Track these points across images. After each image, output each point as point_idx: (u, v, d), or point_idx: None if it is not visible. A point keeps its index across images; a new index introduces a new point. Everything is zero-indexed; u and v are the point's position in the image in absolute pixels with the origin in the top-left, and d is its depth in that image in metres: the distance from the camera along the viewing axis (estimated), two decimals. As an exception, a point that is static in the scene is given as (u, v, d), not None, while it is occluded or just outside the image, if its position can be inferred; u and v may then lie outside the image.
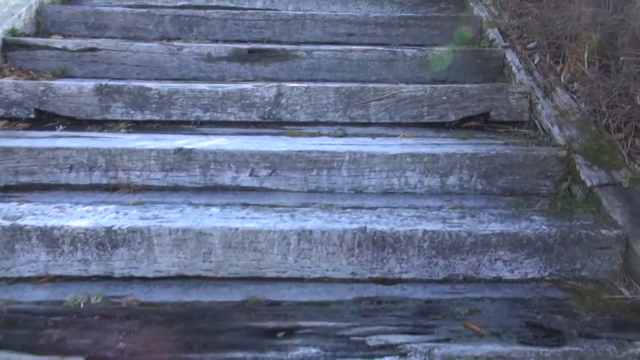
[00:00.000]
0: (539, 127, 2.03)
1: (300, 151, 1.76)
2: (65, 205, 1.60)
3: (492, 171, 1.79)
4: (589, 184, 1.68)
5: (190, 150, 1.75)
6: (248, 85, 2.06)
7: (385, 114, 2.08)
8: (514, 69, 2.27)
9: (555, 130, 1.91)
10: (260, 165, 1.76)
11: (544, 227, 1.50)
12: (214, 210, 1.60)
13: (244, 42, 2.62)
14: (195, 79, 2.35)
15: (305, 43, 2.63)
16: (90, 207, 1.59)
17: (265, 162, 1.76)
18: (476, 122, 2.13)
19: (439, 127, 2.10)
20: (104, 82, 2.04)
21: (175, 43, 2.35)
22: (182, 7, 2.89)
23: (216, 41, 2.62)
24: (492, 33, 2.57)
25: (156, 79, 2.33)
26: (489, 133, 2.07)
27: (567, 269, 1.49)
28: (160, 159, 1.75)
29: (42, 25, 2.57)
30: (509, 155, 1.78)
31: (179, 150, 1.75)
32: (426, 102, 2.08)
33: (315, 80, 2.36)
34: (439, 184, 1.79)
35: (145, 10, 2.60)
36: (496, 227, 1.50)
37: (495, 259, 1.48)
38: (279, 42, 2.61)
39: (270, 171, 1.77)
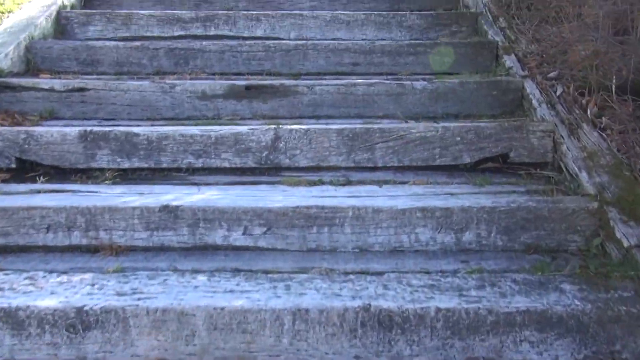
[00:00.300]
0: (564, 170, 1.82)
1: (297, 207, 1.59)
2: (37, 275, 1.45)
3: (514, 226, 1.59)
4: (625, 243, 1.47)
5: (177, 207, 1.59)
6: (243, 129, 1.90)
7: (393, 157, 1.90)
8: (534, 102, 2.07)
9: (583, 176, 1.71)
10: (254, 223, 1.60)
11: (576, 301, 1.30)
12: (201, 279, 1.43)
13: (242, 75, 2.47)
14: (190, 118, 2.20)
15: (307, 74, 2.47)
16: (64, 277, 1.44)
17: (259, 219, 1.59)
18: (494, 163, 1.94)
19: (452, 169, 1.92)
20: (88, 128, 1.90)
21: (168, 81, 2.20)
22: (180, 37, 2.75)
23: (213, 74, 2.47)
24: (509, 60, 2.38)
25: (148, 119, 2.19)
26: (508, 177, 1.88)
27: (605, 350, 1.29)
28: (144, 218, 1.59)
29: (31, 62, 2.46)
30: (533, 209, 1.59)
31: (165, 208, 1.59)
32: (438, 144, 1.90)
33: (318, 117, 2.19)
34: (453, 241, 1.60)
35: (138, 43, 2.47)
36: (521, 302, 1.30)
37: (521, 340, 1.28)
38: (280, 74, 2.46)
39: (265, 229, 1.60)
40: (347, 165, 1.91)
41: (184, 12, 2.78)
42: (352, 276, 1.45)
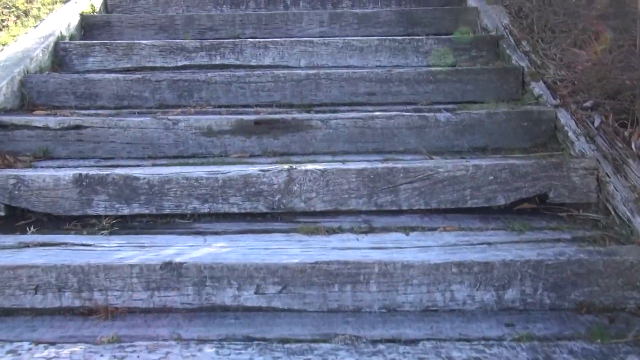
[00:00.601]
0: (612, 212, 1.63)
1: (316, 263, 1.40)
2: (22, 348, 1.27)
3: (564, 282, 1.40)
4: (698, 304, 1.29)
5: (181, 264, 1.41)
6: (253, 170, 1.73)
7: (419, 199, 1.72)
8: (570, 134, 1.90)
9: (637, 221, 1.52)
10: (267, 281, 1.41)
11: (652, 382, 1.11)
12: (208, 351, 1.25)
13: (250, 107, 2.31)
14: (195, 156, 2.03)
15: (320, 105, 2.31)
16: (52, 351, 1.25)
17: (273, 276, 1.41)
18: (530, 204, 1.75)
19: (485, 212, 1.73)
20: (84, 172, 1.73)
21: (171, 116, 2.04)
22: (184, 67, 2.61)
23: (219, 107, 2.31)
24: (537, 87, 2.21)
25: (150, 158, 2.03)
26: (548, 220, 1.69)
27: None
28: (144, 277, 1.41)
29: (26, 97, 2.31)
30: (585, 262, 1.39)
31: (167, 265, 1.41)
32: (469, 184, 1.72)
33: (334, 153, 2.02)
34: (494, 299, 1.41)
35: (139, 76, 2.32)
36: (586, 383, 1.11)
37: None
38: (290, 106, 2.30)
39: (280, 287, 1.41)
40: (368, 209, 1.73)
41: (188, 40, 2.64)
42: (381, 345, 1.26)
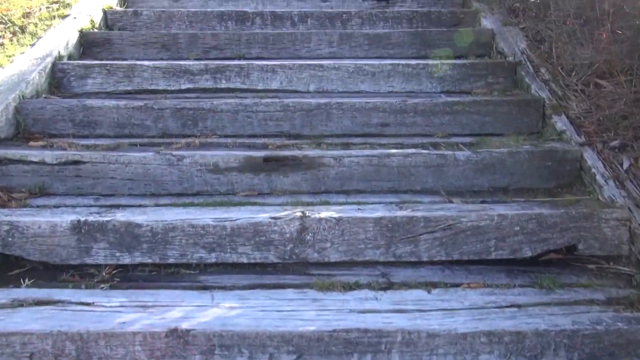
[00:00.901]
0: (647, 269, 1.54)
1: (334, 331, 1.30)
2: None
3: (600, 352, 1.30)
4: None
5: (188, 331, 1.30)
6: (264, 218, 1.62)
7: (440, 250, 1.62)
8: (598, 177, 1.80)
9: (676, 283, 1.43)
10: (281, 350, 1.31)
11: None
12: None
13: (258, 137, 2.19)
14: (200, 194, 1.92)
15: (331, 136, 2.20)
16: None
17: (288, 345, 1.30)
18: (558, 254, 1.66)
19: (511, 264, 1.63)
20: (82, 218, 1.62)
21: (175, 152, 1.92)
22: (187, 90, 2.49)
23: (225, 137, 2.19)
24: (560, 122, 2.10)
25: (152, 195, 1.91)
26: (578, 273, 1.59)
27: None
28: (147, 345, 1.30)
29: (22, 125, 2.18)
30: (623, 332, 1.30)
31: (173, 332, 1.31)
32: (493, 235, 1.62)
33: (347, 193, 1.91)
34: (525, 371, 1.31)
35: (141, 103, 2.20)
36: None
37: None
38: (300, 136, 2.19)
39: (295, 357, 1.31)
40: (386, 260, 1.63)
41: (192, 62, 2.52)
42: None
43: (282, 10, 3.14)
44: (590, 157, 1.88)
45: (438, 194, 1.89)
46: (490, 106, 2.21)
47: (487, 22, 2.94)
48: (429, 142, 2.09)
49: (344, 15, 3.08)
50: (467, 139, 2.14)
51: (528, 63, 2.50)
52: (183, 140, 2.11)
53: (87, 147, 2.03)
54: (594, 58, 2.12)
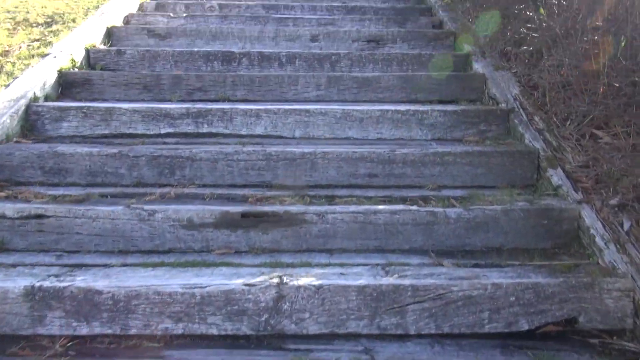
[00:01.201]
0: (654, 347, 1.41)
1: None
2: None
3: None
4: None
5: None
6: (237, 285, 1.48)
7: (429, 322, 1.48)
8: (597, 240, 1.68)
9: (688, 367, 1.30)
10: None
11: None
12: None
13: (238, 187, 2.08)
14: (172, 251, 1.79)
15: (315, 187, 2.08)
16: None
17: None
18: (556, 327, 1.52)
19: (506, 338, 1.49)
20: (37, 283, 1.47)
21: (146, 207, 1.80)
22: (167, 134, 2.38)
23: (204, 186, 2.07)
24: (556, 175, 2.00)
25: (120, 252, 1.78)
26: (579, 349, 1.45)
27: None
28: None
29: (-13, 171, 2.07)
30: None
31: None
32: (487, 305, 1.48)
33: (330, 251, 1.79)
34: None
35: (115, 151, 2.09)
36: None
37: None
38: (283, 187, 2.07)
39: None
40: (369, 332, 1.49)
41: (172, 106, 2.42)
42: None
43: (270, 50, 3.07)
44: (588, 217, 1.77)
45: (427, 255, 1.77)
46: (483, 157, 2.11)
47: (478, 66, 2.88)
48: (419, 196, 1.98)
49: (333, 57, 3.01)
50: (459, 192, 2.03)
51: (521, 110, 2.42)
52: (158, 191, 1.99)
53: (55, 198, 1.90)
54: (590, 110, 2.04)
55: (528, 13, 2.36)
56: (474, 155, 2.11)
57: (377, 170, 2.11)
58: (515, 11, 2.41)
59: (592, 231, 1.72)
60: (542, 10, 2.23)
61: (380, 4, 4.13)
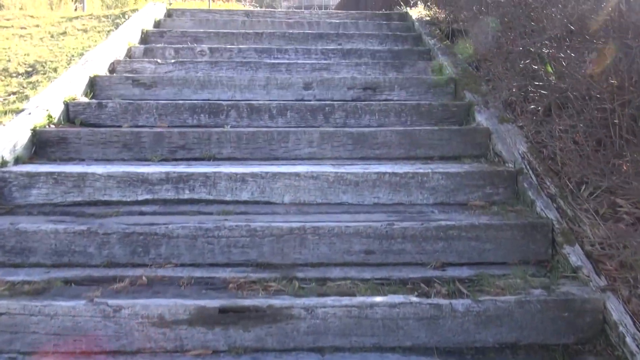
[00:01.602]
0: None
1: None
2: None
3: None
4: None
5: None
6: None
7: None
8: (628, 340, 1.46)
9: None
10: None
11: None
12: None
13: (219, 266, 1.87)
14: (141, 351, 1.57)
15: (305, 266, 1.88)
16: None
17: None
18: None
19: None
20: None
21: (110, 301, 1.58)
22: (145, 202, 2.19)
23: (181, 266, 1.87)
24: (574, 254, 1.79)
25: (82, 353, 1.55)
26: None
27: None
28: None
29: (-60, 253, 1.87)
30: None
31: None
32: None
33: (321, 350, 1.56)
34: None
35: (84, 228, 1.88)
36: None
37: None
38: (269, 266, 1.86)
39: None
40: None
41: (151, 170, 2.22)
42: None
43: (260, 101, 2.90)
44: (615, 309, 1.55)
45: (432, 354, 1.55)
46: (491, 231, 1.90)
47: (481, 118, 2.70)
48: (420, 278, 1.77)
49: (327, 108, 2.84)
50: (465, 272, 1.82)
51: (530, 172, 2.23)
52: (129, 274, 1.77)
53: (13, 286, 1.69)
54: (610, 182, 1.84)
55: (534, 67, 2.19)
56: (480, 229, 1.90)
57: (373, 247, 1.90)
58: (521, 64, 2.23)
59: (620, 328, 1.50)
60: (549, 68, 2.06)
61: (377, 46, 3.98)
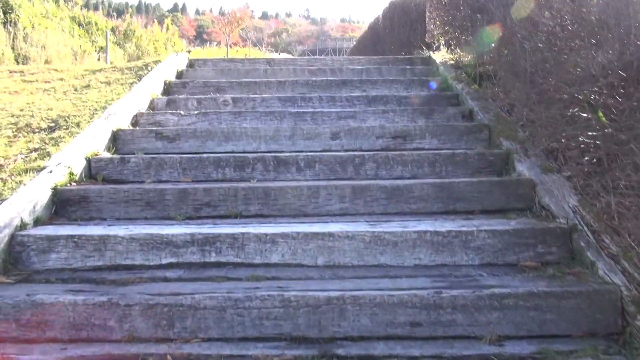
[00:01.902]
0: None
1: None
2: None
3: None
4: None
5: None
6: None
7: None
8: None
9: None
10: None
11: None
12: None
13: (250, 340, 1.71)
14: None
15: (345, 339, 1.70)
16: None
17: None
18: None
19: None
20: None
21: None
22: (169, 265, 2.05)
23: (209, 341, 1.71)
24: (650, 327, 1.60)
25: None
26: None
27: None
28: None
29: (-48, 328, 1.74)
30: None
31: None
32: None
33: None
34: None
35: (104, 299, 1.75)
36: None
37: None
38: (305, 340, 1.68)
39: None
40: None
41: (175, 231, 2.09)
42: None
43: (286, 153, 2.79)
44: None
45: None
46: (552, 299, 1.71)
47: (522, 168, 2.54)
48: (477, 356, 1.57)
49: (357, 159, 2.71)
50: (526, 347, 1.62)
51: (585, 228, 2.04)
52: (151, 357, 1.61)
53: (25, 368, 1.55)
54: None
55: (582, 115, 2.04)
56: (540, 297, 1.71)
57: (420, 318, 1.72)
58: (568, 114, 2.09)
59: None
60: (600, 115, 1.92)
61: (403, 92, 3.89)
